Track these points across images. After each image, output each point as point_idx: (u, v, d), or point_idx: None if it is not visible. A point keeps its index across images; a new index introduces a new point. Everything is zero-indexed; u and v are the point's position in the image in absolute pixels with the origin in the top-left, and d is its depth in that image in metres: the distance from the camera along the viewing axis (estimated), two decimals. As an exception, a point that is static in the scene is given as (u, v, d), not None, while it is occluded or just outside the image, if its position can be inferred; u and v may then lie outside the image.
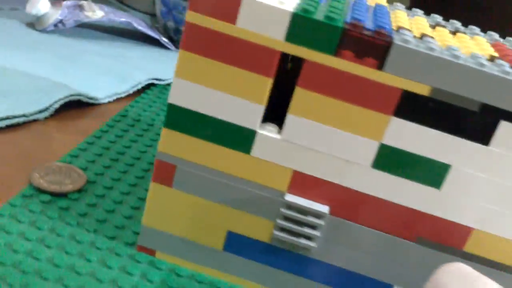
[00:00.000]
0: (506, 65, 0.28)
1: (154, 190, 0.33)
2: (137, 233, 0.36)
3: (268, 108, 0.32)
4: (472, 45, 0.31)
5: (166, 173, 0.32)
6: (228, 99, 0.30)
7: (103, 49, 0.61)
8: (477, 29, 0.35)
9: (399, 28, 0.29)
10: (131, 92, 0.55)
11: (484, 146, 0.28)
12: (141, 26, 0.66)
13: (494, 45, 0.33)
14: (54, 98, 0.47)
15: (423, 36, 0.29)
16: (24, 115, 0.44)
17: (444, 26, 0.34)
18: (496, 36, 0.35)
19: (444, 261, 0.31)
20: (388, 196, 0.30)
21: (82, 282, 0.31)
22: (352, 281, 0.33)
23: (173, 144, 0.32)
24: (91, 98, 0.50)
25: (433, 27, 0.34)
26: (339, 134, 0.29)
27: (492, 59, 0.29)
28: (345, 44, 0.28)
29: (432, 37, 0.29)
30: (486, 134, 0.28)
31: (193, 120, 0.31)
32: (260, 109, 0.30)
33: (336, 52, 0.28)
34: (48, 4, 0.59)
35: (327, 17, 0.28)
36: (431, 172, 0.29)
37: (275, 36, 0.28)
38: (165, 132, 0.31)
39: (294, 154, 0.30)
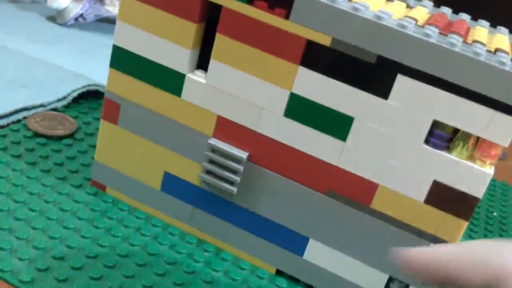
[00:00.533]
0: (409, 22, 0.28)
1: (103, 127, 0.36)
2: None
3: (204, 57, 0.34)
4: (404, 11, 0.32)
5: (112, 111, 0.36)
6: (161, 43, 0.33)
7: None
8: (430, 3, 0.36)
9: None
10: None
11: (383, 100, 0.29)
12: None
13: (434, 15, 0.33)
14: (72, 87, 0.48)
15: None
16: (42, 105, 0.45)
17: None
18: (448, 12, 0.35)
19: (355, 217, 0.32)
20: (299, 145, 0.32)
21: (29, 200, 0.35)
22: (270, 230, 0.34)
23: (117, 84, 0.35)
24: None
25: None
26: (255, 81, 0.31)
27: (403, 17, 0.30)
28: (257, -6, 0.30)
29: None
30: (385, 88, 0.29)
31: (133, 61, 0.34)
32: (187, 54, 0.32)
33: (249, 1, 0.30)
34: None
35: (243, -33, 0.30)
36: (337, 124, 0.31)
37: (196, -17, 0.31)
38: (110, 71, 0.35)
39: (218, 99, 0.33)
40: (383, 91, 0.29)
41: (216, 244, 0.36)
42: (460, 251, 0.20)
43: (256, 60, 0.31)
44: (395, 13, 0.31)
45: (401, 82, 0.29)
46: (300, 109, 0.31)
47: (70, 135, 0.43)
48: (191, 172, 0.35)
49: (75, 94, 0.48)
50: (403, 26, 0.28)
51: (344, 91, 0.30)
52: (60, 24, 0.62)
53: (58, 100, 0.47)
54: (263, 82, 0.31)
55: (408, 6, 0.35)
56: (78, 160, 0.40)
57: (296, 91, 0.31)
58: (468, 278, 0.20)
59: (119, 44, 0.34)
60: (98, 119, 0.46)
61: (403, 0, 0.35)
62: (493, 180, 0.56)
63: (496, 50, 0.29)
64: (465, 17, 0.35)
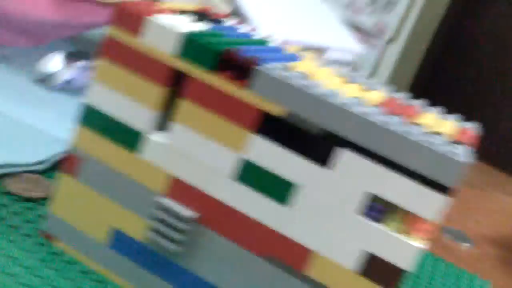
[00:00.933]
0: (355, 101, 0.31)
1: (62, 179, 0.38)
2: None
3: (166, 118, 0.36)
4: (356, 92, 0.35)
5: (73, 165, 0.37)
6: (128, 103, 0.35)
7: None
8: (383, 87, 0.39)
9: (289, 68, 0.34)
10: None
11: (326, 169, 0.31)
12: None
13: (388, 98, 0.36)
14: (54, 150, 0.49)
15: (296, 70, 0.34)
16: (20, 165, 0.45)
17: (353, 82, 0.38)
18: (404, 98, 0.38)
19: (288, 282, 0.33)
20: (246, 208, 0.33)
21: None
22: (210, 295, 0.35)
23: (82, 139, 0.37)
24: None
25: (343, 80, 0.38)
26: (210, 144, 0.34)
27: (352, 96, 0.33)
28: (221, 65, 0.33)
29: (303, 73, 0.34)
30: (328, 158, 0.31)
31: (101, 119, 0.36)
32: (151, 114, 0.35)
33: (213, 71, 0.33)
34: (61, 63, 0.63)
35: (208, 41, 0.33)
36: (280, 189, 0.32)
37: (167, 51, 0.34)
38: (77, 128, 0.37)
39: (174, 159, 0.35)
40: (326, 162, 0.31)
41: (155, 307, 0.36)
42: None
43: (214, 124, 0.33)
44: (348, 92, 0.34)
45: (343, 155, 0.31)
46: (249, 173, 0.33)
47: (45, 198, 0.43)
48: (138, 229, 0.36)
49: (55, 159, 0.49)
50: (349, 106, 0.31)
51: (291, 159, 0.32)
52: (48, 88, 0.63)
53: (40, 163, 0.47)
54: (219, 145, 0.33)
55: (366, 89, 0.37)
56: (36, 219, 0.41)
57: (247, 156, 0.33)
58: None
59: (89, 102, 0.36)
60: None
61: (363, 84, 0.38)
62: (464, 272, 0.56)
63: (434, 132, 0.31)
64: (419, 103, 0.37)
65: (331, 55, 0.83)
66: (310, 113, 0.31)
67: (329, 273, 0.32)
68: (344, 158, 0.31)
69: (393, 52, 1.99)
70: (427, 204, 0.30)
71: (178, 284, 0.35)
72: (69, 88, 0.65)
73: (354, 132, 0.31)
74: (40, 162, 0.48)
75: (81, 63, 0.65)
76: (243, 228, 0.34)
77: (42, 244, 0.38)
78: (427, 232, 0.30)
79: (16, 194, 0.42)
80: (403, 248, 0.30)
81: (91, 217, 0.37)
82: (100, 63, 0.36)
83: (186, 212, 0.34)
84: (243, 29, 0.40)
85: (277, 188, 0.33)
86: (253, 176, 0.33)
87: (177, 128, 0.34)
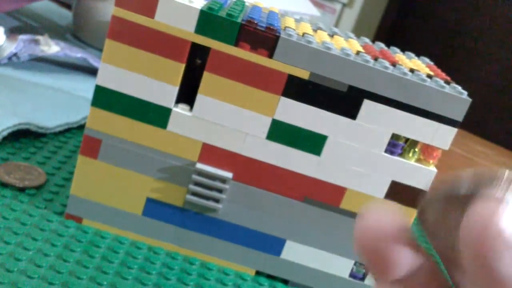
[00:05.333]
0: (368, 57, 0.35)
1: (82, 162, 0.38)
2: (64, 205, 0.41)
3: (181, 91, 0.38)
4: (345, 44, 0.39)
5: (92, 146, 0.38)
6: (148, 82, 0.36)
7: (56, 83, 0.61)
8: (351, 34, 0.43)
9: (286, 27, 0.37)
10: (82, 123, 0.55)
11: (352, 120, 0.36)
12: (96, 62, 0.67)
13: (363, 46, 0.41)
14: (2, 126, 0.47)
15: (304, 34, 0.37)
16: None
17: (324, 30, 0.42)
18: (367, 40, 0.43)
19: (326, 216, 0.38)
20: (280, 163, 0.37)
21: (20, 241, 0.36)
22: (251, 238, 0.39)
23: (99, 121, 0.37)
24: (41, 128, 0.50)
25: (315, 30, 0.41)
26: (240, 111, 0.36)
27: (357, 52, 0.37)
28: (243, 37, 0.35)
29: (311, 35, 0.37)
30: (354, 110, 0.36)
31: (117, 99, 0.36)
32: (174, 90, 0.36)
33: (235, 43, 0.35)
34: (4, 37, 0.60)
35: (228, 14, 0.35)
36: (313, 142, 0.37)
37: (186, 28, 0.35)
38: (92, 110, 0.37)
39: (203, 128, 0.37)
40: (352, 113, 0.36)
41: (200, 258, 0.40)
42: None
43: (241, 93, 0.36)
44: (352, 48, 0.38)
45: (367, 105, 0.36)
46: (281, 132, 0.37)
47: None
48: (174, 195, 0.39)
49: (5, 133, 0.47)
50: (368, 62, 0.35)
51: (320, 115, 0.36)
52: None
53: None
54: (248, 111, 0.36)
55: (346, 40, 0.42)
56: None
57: (277, 117, 0.36)
58: None
59: (102, 84, 0.36)
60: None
61: (348, 36, 0.42)
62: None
63: (431, 75, 0.37)
64: (385, 47, 0.43)
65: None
66: (335, 73, 0.35)
67: (361, 203, 0.38)
68: (368, 107, 0.36)
69: (350, 16, 2.03)
70: (440, 136, 0.36)
71: (220, 235, 0.39)
72: (15, 62, 0.61)
73: (376, 85, 0.35)
74: None
75: (24, 36, 0.60)
76: (277, 178, 0.38)
77: (68, 226, 0.39)
78: (436, 158, 0.37)
79: (11, 184, 0.41)
80: (423, 174, 0.37)
81: (120, 192, 0.39)
82: (109, 45, 0.35)
83: (222, 172, 0.38)
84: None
85: (308, 141, 0.37)
86: (283, 133, 0.37)
87: (203, 99, 0.36)
